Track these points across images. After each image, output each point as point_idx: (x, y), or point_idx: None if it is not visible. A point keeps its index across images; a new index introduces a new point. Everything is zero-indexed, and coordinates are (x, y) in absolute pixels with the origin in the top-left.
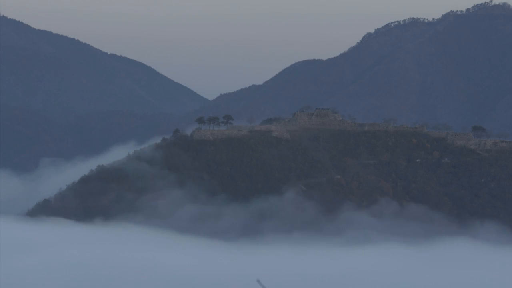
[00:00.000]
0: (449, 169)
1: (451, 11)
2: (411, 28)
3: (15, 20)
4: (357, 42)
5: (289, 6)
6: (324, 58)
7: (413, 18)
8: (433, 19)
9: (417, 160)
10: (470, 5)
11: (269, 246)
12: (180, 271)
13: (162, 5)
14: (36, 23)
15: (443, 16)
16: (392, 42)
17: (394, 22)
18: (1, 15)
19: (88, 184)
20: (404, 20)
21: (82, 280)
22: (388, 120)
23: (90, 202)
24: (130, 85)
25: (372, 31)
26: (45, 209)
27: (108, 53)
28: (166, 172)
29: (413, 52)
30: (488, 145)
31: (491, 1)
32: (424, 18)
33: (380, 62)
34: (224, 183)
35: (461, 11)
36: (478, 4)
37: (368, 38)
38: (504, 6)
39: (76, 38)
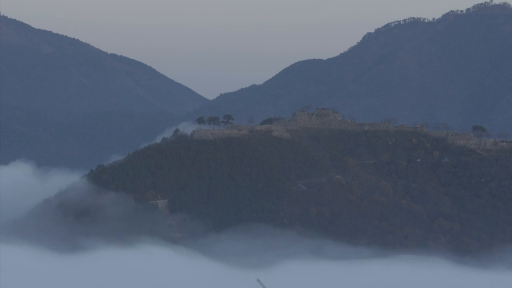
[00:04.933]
0: (449, 169)
1: (451, 11)
2: (411, 28)
3: (15, 20)
4: (357, 42)
5: (289, 6)
6: (324, 58)
7: (413, 18)
8: (433, 19)
9: (417, 160)
10: (470, 5)
11: None
12: None
13: (162, 5)
14: (36, 23)
15: (443, 16)
16: (392, 42)
17: (394, 22)
18: (1, 15)
19: (87, 184)
20: (404, 20)
21: None
22: (388, 120)
23: (90, 202)
24: (130, 85)
25: (372, 31)
26: (45, 209)
27: (108, 53)
28: (165, 172)
29: (413, 52)
30: (488, 145)
31: (491, 1)
32: (424, 18)
33: (380, 62)
34: (224, 183)
35: (461, 11)
36: (478, 4)
37: (368, 38)
38: (504, 6)
39: (76, 38)
